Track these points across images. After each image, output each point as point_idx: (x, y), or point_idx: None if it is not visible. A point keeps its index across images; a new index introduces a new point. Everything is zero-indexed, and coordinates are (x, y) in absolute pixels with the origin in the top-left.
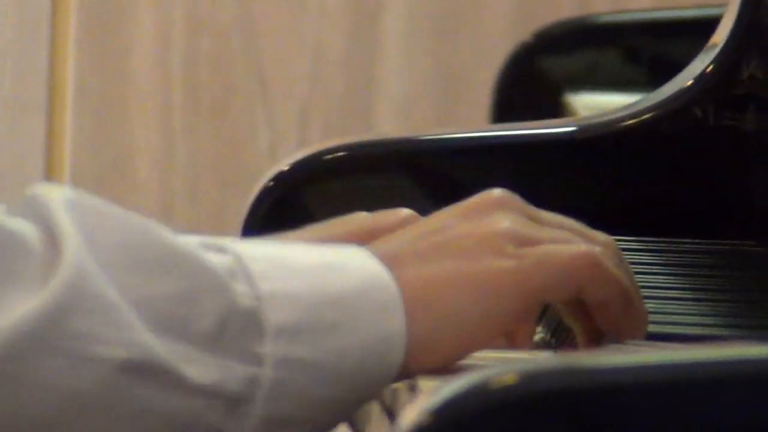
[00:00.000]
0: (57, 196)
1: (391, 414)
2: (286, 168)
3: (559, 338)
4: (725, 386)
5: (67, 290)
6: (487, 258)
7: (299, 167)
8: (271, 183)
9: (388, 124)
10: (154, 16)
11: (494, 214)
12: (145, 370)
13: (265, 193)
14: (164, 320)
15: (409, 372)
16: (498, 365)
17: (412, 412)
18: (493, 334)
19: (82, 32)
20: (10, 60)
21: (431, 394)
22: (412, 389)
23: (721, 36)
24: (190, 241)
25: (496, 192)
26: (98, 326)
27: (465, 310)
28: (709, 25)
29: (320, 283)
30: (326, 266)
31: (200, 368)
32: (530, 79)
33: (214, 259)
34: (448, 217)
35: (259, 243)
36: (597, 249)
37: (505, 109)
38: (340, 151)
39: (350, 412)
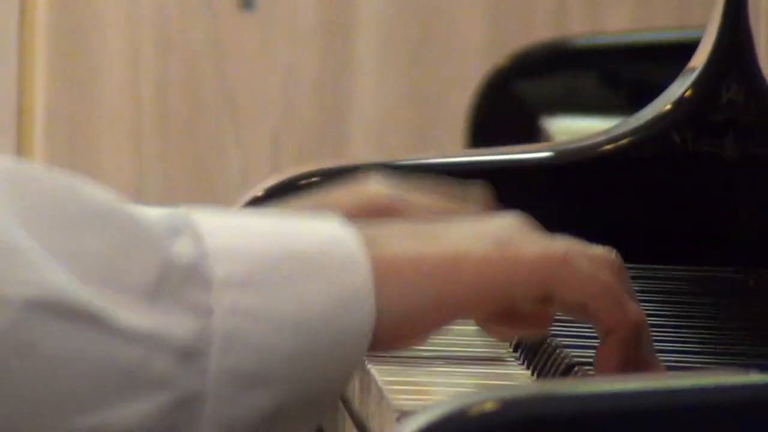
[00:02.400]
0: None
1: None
2: (260, 193)
3: (537, 365)
4: (702, 414)
5: None
6: (457, 244)
7: (273, 192)
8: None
9: (362, 149)
10: (124, 39)
11: (492, 220)
12: (62, 311)
13: None
14: (94, 272)
15: (379, 343)
16: (477, 392)
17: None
18: (448, 318)
19: (51, 56)
20: None
21: (411, 419)
22: (381, 400)
23: (699, 60)
24: (136, 207)
25: (509, 214)
26: (2, 267)
27: (422, 289)
28: (688, 48)
29: (277, 241)
30: (287, 227)
31: (134, 315)
32: (506, 103)
33: (154, 218)
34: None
35: (223, 210)
36: (570, 250)
37: (480, 133)
38: (315, 177)
39: (328, 379)
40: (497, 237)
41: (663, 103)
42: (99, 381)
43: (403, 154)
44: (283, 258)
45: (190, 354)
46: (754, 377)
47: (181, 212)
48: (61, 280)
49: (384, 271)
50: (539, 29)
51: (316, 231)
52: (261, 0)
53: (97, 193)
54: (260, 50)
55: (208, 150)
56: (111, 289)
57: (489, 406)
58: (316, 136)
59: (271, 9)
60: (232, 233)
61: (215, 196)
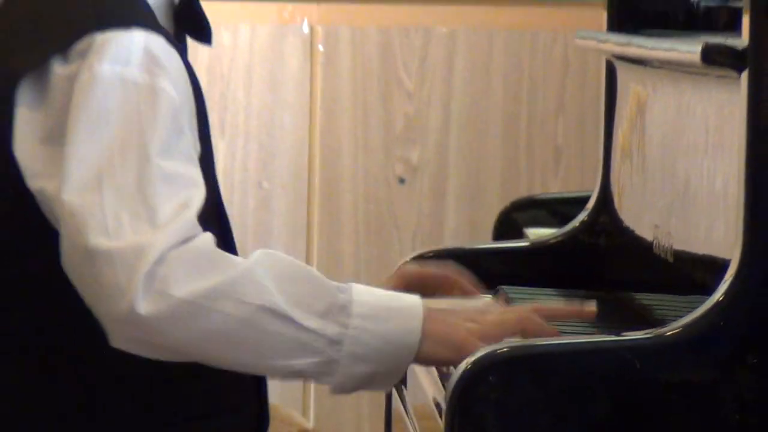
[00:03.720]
0: (259, 252)
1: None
2: (408, 259)
3: None
4: (584, 354)
5: (243, 272)
6: (465, 338)
7: (418, 257)
8: None
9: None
10: None
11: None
12: (277, 314)
13: None
14: (297, 302)
15: (417, 360)
16: (498, 345)
17: (462, 364)
18: (452, 362)
19: None
20: None
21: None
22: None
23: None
24: (334, 284)
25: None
26: (252, 290)
27: (440, 350)
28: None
29: (386, 299)
30: (392, 294)
31: (312, 322)
32: (510, 225)
33: (334, 284)
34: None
35: (380, 291)
36: (525, 314)
37: (498, 235)
38: (430, 255)
39: (394, 374)
40: (500, 324)
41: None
42: (290, 347)
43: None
44: (387, 308)
45: (334, 342)
46: (632, 335)
47: (348, 284)
48: (280, 300)
49: (426, 330)
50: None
51: (404, 298)
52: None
53: (312, 271)
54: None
55: None
56: (303, 310)
57: (504, 349)
58: None
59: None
60: (366, 294)
61: None
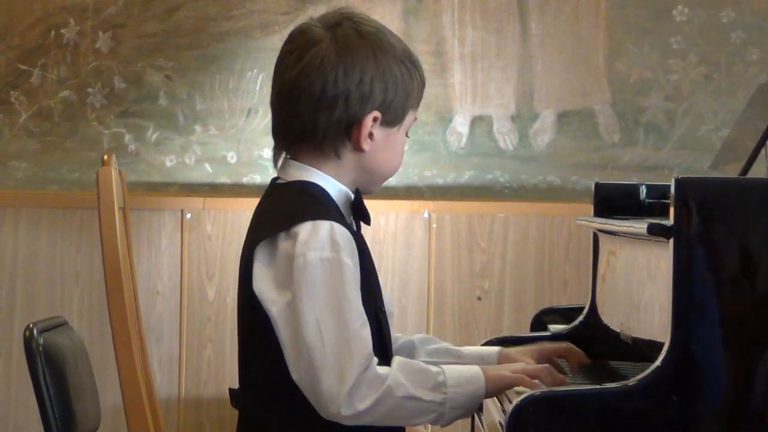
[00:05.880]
0: (396, 360)
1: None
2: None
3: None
4: (598, 397)
5: (392, 380)
6: (503, 377)
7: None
8: None
9: None
10: None
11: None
12: (410, 397)
13: None
14: (417, 386)
15: (485, 398)
16: (535, 391)
17: (515, 399)
18: (499, 392)
19: None
20: None
21: (518, 396)
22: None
23: None
24: (435, 370)
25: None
26: (397, 388)
27: (498, 385)
28: None
29: (464, 372)
30: (467, 368)
31: (427, 395)
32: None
33: (435, 368)
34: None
35: (456, 367)
36: (541, 370)
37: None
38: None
39: (473, 410)
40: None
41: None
42: (419, 412)
43: None
44: (465, 378)
45: (441, 404)
46: (609, 384)
47: (441, 368)
48: (408, 383)
49: (488, 382)
50: None
51: (471, 369)
52: None
53: (429, 368)
54: None
55: None
56: (422, 389)
57: (538, 393)
58: None
59: None
60: (451, 371)
61: None
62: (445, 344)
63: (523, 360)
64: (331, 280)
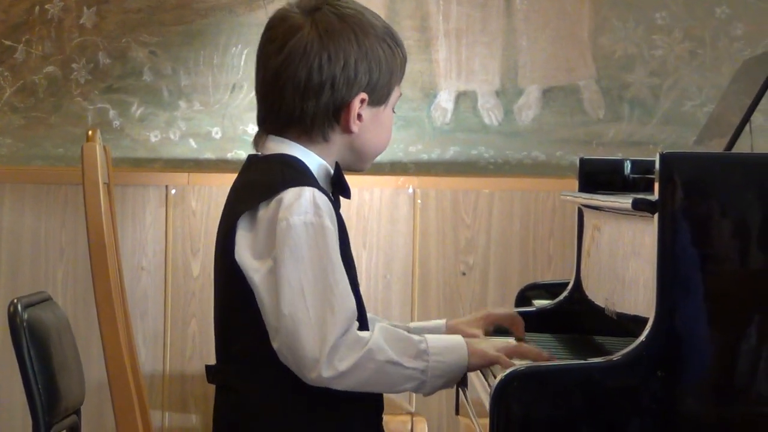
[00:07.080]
0: (378, 326)
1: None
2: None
3: None
4: (579, 372)
5: (373, 343)
6: (485, 351)
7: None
8: None
9: None
10: None
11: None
12: (392, 363)
13: None
14: (401, 351)
15: (467, 371)
16: (519, 365)
17: (500, 374)
18: (480, 368)
19: None
20: None
21: (502, 371)
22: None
23: None
24: (416, 338)
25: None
26: (379, 352)
27: (480, 358)
28: None
29: (445, 341)
30: (449, 338)
31: (409, 362)
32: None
33: (417, 338)
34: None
35: (439, 337)
36: (530, 350)
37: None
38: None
39: (456, 380)
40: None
41: None
42: (402, 379)
43: None
44: (447, 347)
45: (423, 371)
46: (594, 359)
47: (423, 337)
48: (389, 349)
49: (470, 354)
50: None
51: (454, 338)
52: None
53: (409, 336)
54: None
55: None
56: (404, 356)
57: (523, 367)
58: None
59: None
60: (434, 340)
61: None
62: (393, 322)
63: (470, 331)
64: (315, 243)
